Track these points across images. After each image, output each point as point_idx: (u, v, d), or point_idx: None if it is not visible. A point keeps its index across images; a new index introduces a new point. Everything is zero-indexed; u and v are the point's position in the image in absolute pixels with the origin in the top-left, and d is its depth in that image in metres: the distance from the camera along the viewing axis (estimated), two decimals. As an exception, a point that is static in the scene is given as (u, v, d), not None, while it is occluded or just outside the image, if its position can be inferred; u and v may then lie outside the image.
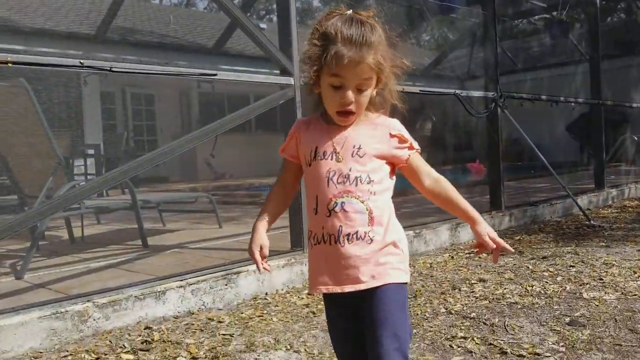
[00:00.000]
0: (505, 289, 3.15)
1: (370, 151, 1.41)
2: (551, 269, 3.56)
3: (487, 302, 2.92)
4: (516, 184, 8.38)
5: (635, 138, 10.72)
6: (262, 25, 14.99)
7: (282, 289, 3.32)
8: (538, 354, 2.19)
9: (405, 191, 4.43)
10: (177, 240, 4.53)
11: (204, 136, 3.24)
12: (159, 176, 11.18)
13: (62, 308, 2.54)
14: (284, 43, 3.61)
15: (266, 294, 3.23)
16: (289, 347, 2.39)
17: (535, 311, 2.73)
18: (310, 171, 1.44)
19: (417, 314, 2.75)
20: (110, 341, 2.51)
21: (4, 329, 2.37)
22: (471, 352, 2.25)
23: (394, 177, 1.47)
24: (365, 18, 1.38)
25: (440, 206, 1.49)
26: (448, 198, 1.46)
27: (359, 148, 1.40)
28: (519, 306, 2.82)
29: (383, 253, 1.40)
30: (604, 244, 4.37)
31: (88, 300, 2.65)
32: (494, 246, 1.42)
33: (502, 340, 2.36)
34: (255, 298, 3.17)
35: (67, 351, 2.40)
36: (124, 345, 2.45)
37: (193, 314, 2.90)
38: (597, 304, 2.80)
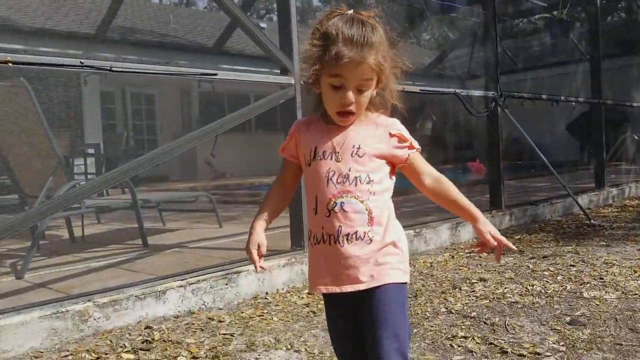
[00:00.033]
0: (505, 288, 3.15)
1: (370, 151, 1.40)
2: (551, 269, 3.56)
3: (488, 301, 2.92)
4: (516, 183, 8.37)
5: (636, 137, 10.71)
6: (262, 25, 15.00)
7: (283, 289, 3.32)
8: (538, 354, 2.19)
9: (406, 191, 4.42)
10: (177, 240, 4.53)
11: (204, 136, 3.24)
12: (159, 176, 11.18)
13: (62, 308, 2.54)
14: (284, 42, 3.61)
15: (266, 293, 3.23)
16: (289, 346, 2.39)
17: (536, 310, 2.73)
18: (310, 171, 1.44)
19: (418, 314, 2.75)
20: (110, 341, 2.51)
21: (4, 328, 2.37)
22: (472, 351, 2.25)
23: (394, 177, 1.47)
24: (366, 18, 1.37)
25: (441, 205, 1.49)
26: (449, 197, 1.46)
27: (359, 148, 1.40)
28: (520, 305, 2.82)
29: (382, 253, 1.40)
30: (604, 243, 4.37)
31: (88, 300, 2.65)
32: (496, 244, 1.42)
33: (502, 339, 2.36)
34: (255, 297, 3.17)
35: (68, 351, 2.40)
36: (124, 344, 2.45)
37: (193, 313, 2.90)
38: (597, 303, 2.80)
